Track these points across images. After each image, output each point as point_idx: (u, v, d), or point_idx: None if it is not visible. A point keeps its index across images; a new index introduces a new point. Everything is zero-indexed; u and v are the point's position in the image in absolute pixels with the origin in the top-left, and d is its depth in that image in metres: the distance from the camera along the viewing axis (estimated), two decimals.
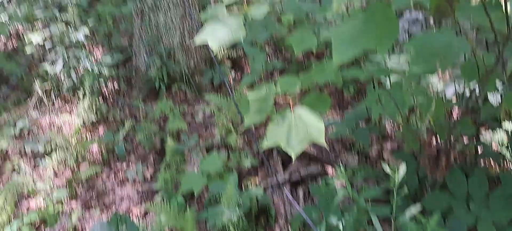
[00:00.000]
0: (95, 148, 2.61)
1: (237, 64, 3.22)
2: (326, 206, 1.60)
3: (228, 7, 1.69)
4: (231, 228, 1.74)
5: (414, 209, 1.39)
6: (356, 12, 0.88)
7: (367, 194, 1.56)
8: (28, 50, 3.04)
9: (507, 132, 1.84)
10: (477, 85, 1.50)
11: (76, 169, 2.46)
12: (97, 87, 2.97)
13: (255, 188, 2.05)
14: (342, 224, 1.50)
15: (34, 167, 2.49)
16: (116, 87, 3.14)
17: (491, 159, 1.94)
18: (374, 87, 1.85)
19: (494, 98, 1.71)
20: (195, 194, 2.03)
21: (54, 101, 2.97)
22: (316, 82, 1.59)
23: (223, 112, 2.58)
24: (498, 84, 1.57)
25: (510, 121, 1.79)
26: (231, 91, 2.62)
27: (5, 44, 3.68)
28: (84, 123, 2.77)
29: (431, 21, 2.26)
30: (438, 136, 1.73)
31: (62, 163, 2.47)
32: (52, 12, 3.26)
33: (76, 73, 2.97)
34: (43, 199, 2.22)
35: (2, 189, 2.24)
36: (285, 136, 1.32)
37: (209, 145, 2.49)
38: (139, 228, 1.81)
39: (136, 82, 3.09)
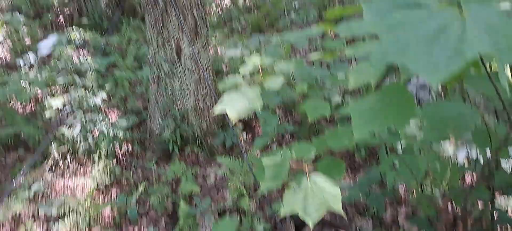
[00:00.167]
0: (107, 211, 2.62)
1: (248, 126, 3.29)
2: None
3: (244, 76, 1.78)
4: None
5: None
6: (372, 91, 0.94)
7: None
8: (48, 114, 3.15)
9: None
10: (489, 152, 1.53)
11: None
12: (111, 149, 3.03)
13: None
14: None
15: None
16: (130, 149, 3.19)
17: (507, 225, 1.92)
18: (387, 152, 1.88)
19: (507, 165, 1.73)
20: None
21: (70, 164, 3.02)
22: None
23: (235, 175, 2.61)
24: (511, 151, 1.60)
25: None
26: (244, 153, 2.66)
27: (24, 107, 3.82)
28: (97, 185, 2.80)
29: (439, 87, 2.33)
30: (453, 201, 1.73)
31: (75, 226, 2.47)
32: (73, 78, 3.42)
33: (92, 136, 3.04)
34: None
35: None
36: (301, 203, 1.33)
37: (221, 208, 2.48)
38: None
39: (150, 144, 3.16)
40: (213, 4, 5.60)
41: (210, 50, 3.20)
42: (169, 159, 3.03)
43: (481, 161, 1.76)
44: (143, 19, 5.02)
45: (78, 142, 3.07)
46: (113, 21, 5.01)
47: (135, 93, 3.69)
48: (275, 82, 1.54)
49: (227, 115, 3.08)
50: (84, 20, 4.93)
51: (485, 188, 1.74)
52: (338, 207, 1.22)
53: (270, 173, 1.57)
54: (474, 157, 1.87)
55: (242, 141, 3.12)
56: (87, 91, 3.32)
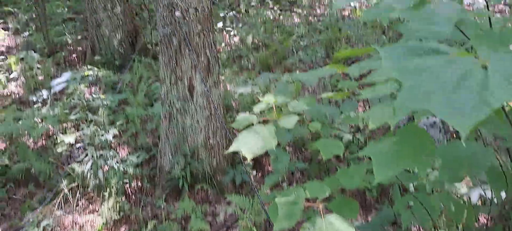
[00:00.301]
0: None
1: (258, 163, 3.29)
2: None
3: (258, 114, 1.80)
4: None
5: None
6: (390, 133, 0.95)
7: None
8: (59, 149, 3.18)
9: None
10: (504, 193, 1.52)
11: None
12: (121, 186, 3.03)
13: None
14: None
15: None
16: (140, 186, 3.19)
17: None
18: (401, 192, 1.87)
19: None
20: None
21: (79, 200, 3.02)
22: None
23: (246, 213, 2.59)
24: None
25: None
26: (254, 191, 2.65)
27: (35, 143, 3.86)
28: (106, 222, 2.79)
29: (450, 126, 2.34)
30: None
31: None
32: (85, 114, 3.47)
33: (102, 172, 3.06)
34: None
35: None
36: None
37: None
38: None
39: (160, 181, 3.16)
40: (223, 43, 5.74)
41: (221, 87, 3.26)
42: (179, 196, 3.02)
43: (496, 201, 1.75)
44: (154, 57, 5.15)
45: (89, 177, 3.08)
46: (125, 59, 5.14)
47: (146, 129, 3.73)
48: (289, 121, 1.56)
49: (237, 152, 3.09)
50: (97, 58, 5.07)
51: (502, 229, 1.72)
52: None
53: (283, 212, 1.56)
54: (488, 196, 1.85)
55: (252, 178, 3.11)
56: (98, 128, 3.36)
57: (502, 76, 0.60)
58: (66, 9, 7.59)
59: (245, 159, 3.04)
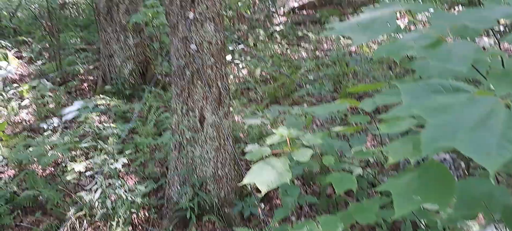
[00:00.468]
0: None
1: (266, 196, 3.26)
2: None
3: (271, 147, 1.81)
4: None
5: None
6: (410, 168, 0.96)
7: None
8: (69, 177, 3.19)
9: None
10: None
11: None
12: (128, 215, 3.01)
13: None
14: None
15: None
16: (147, 216, 3.17)
17: None
18: (412, 229, 1.85)
19: None
20: None
21: (86, 229, 3.00)
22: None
23: None
24: None
25: None
26: (263, 224, 2.63)
27: (43, 170, 3.88)
28: None
29: (462, 164, 2.33)
30: None
31: None
32: (95, 143, 3.50)
33: (110, 201, 3.05)
34: None
35: None
36: None
37: None
38: None
39: (167, 211, 3.14)
40: (231, 75, 5.83)
41: (230, 119, 3.29)
42: (186, 227, 2.99)
43: None
44: (163, 88, 5.23)
45: (96, 206, 3.07)
46: (135, 89, 5.22)
47: (154, 159, 3.74)
48: (304, 154, 1.57)
49: (246, 184, 3.09)
50: (108, 87, 5.15)
51: None
52: None
53: None
54: None
55: (260, 211, 3.08)
56: (108, 156, 3.38)
57: None
58: (79, 39, 7.78)
59: (258, 191, 3.02)
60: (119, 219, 2.89)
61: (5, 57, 5.89)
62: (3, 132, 4.12)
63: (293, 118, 2.78)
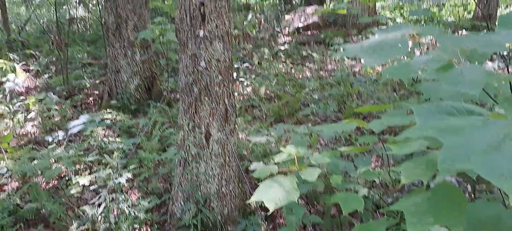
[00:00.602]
0: None
1: (270, 215, 3.24)
2: None
3: (278, 165, 1.82)
4: None
5: None
6: (422, 189, 0.97)
7: None
8: (73, 191, 3.19)
9: None
10: None
11: None
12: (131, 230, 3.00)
13: None
14: None
15: None
16: None
17: None
18: None
19: None
20: None
21: None
22: None
23: None
24: None
25: None
26: None
27: (47, 183, 3.87)
28: None
29: (468, 187, 2.33)
30: None
31: None
32: (100, 157, 3.51)
33: (113, 216, 3.03)
34: None
35: None
36: None
37: None
38: None
39: (170, 228, 3.12)
40: (236, 93, 5.87)
41: (236, 136, 3.30)
42: None
43: None
44: (168, 104, 5.26)
45: (99, 221, 3.06)
46: (141, 104, 5.26)
47: (157, 174, 3.74)
48: (311, 174, 1.57)
49: (249, 202, 3.06)
50: (113, 102, 5.19)
51: None
52: None
53: None
54: None
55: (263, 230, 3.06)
56: (112, 171, 3.38)
57: None
58: (85, 54, 7.88)
59: (262, 209, 3.00)
60: None
61: (13, 70, 5.96)
62: (8, 143, 4.14)
63: (298, 137, 2.79)
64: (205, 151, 2.98)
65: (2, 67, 5.94)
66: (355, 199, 1.71)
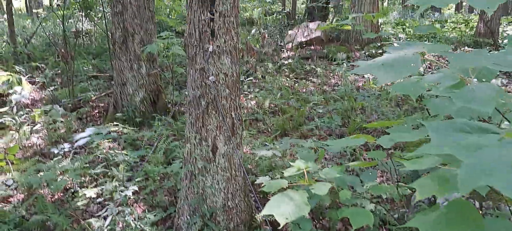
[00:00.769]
0: None
1: (276, 230, 3.24)
2: None
3: (289, 179, 1.83)
4: None
5: None
6: (436, 206, 0.98)
7: None
8: (79, 203, 3.19)
9: None
10: None
11: None
12: None
13: None
14: None
15: None
16: None
17: None
18: None
19: None
20: None
21: None
22: None
23: None
24: None
25: None
26: None
27: (52, 195, 3.88)
28: None
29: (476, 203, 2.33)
30: None
31: None
32: (105, 170, 3.52)
33: (119, 229, 3.03)
34: None
35: None
36: None
37: None
38: None
39: None
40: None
41: (242, 149, 3.31)
42: None
43: None
44: (173, 117, 5.28)
45: None
46: (146, 117, 5.28)
47: (163, 187, 3.74)
48: (322, 188, 1.58)
49: (255, 216, 3.06)
50: (119, 115, 5.22)
51: None
52: None
53: None
54: None
55: None
56: (118, 184, 3.39)
57: None
58: (91, 67, 7.95)
59: (273, 224, 2.98)
60: None
61: (19, 82, 6.01)
62: (14, 155, 4.16)
63: (305, 151, 2.81)
64: (212, 164, 2.99)
65: (8, 79, 6.00)
66: (365, 213, 1.72)
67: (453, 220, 0.93)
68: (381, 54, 8.47)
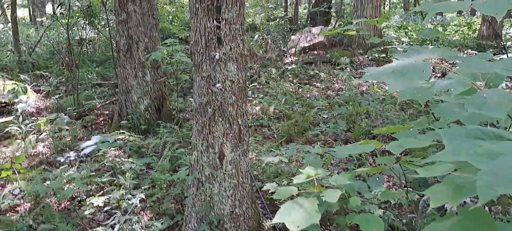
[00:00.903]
0: None
1: None
2: None
3: (298, 186, 1.83)
4: None
5: None
6: (450, 214, 0.98)
7: None
8: (87, 212, 3.20)
9: None
10: None
11: None
12: None
13: None
14: None
15: None
16: None
17: None
18: None
19: None
20: None
21: None
22: None
23: None
24: None
25: None
26: None
27: (59, 204, 3.89)
28: None
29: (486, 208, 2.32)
30: None
31: None
32: (118, 177, 3.53)
33: None
34: None
35: None
36: None
37: None
38: None
39: None
40: None
41: (249, 156, 3.31)
42: None
43: None
44: (178, 123, 5.30)
45: None
46: (151, 124, 5.30)
47: (170, 195, 3.75)
48: (333, 195, 1.58)
49: (261, 223, 3.04)
50: (123, 122, 5.24)
51: None
52: None
53: None
54: None
55: None
56: (124, 192, 3.39)
57: None
58: (95, 75, 7.99)
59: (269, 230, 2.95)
60: None
61: (25, 91, 6.04)
62: (20, 164, 4.17)
63: (312, 157, 2.81)
64: (219, 171, 2.99)
65: (14, 88, 6.04)
66: (375, 220, 1.71)
67: (468, 228, 0.93)
68: (384, 58, 8.44)
